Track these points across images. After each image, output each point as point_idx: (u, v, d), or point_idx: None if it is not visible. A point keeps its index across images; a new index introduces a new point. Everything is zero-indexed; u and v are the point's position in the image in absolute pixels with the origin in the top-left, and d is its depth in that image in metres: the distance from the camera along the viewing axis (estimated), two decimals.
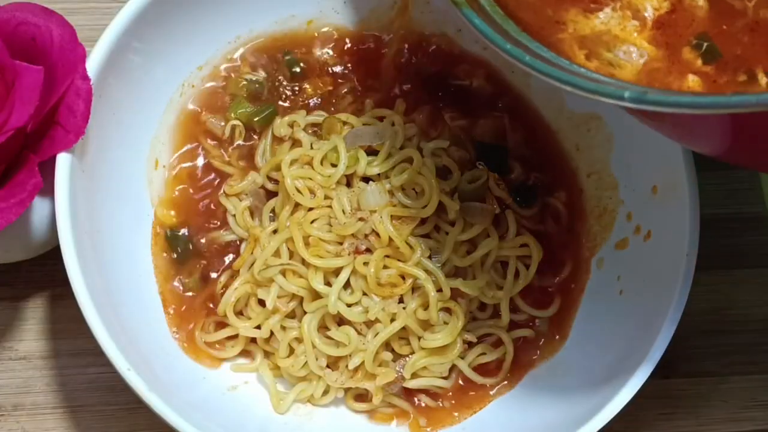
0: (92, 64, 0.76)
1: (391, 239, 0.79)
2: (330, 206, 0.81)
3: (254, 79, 0.89)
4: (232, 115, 0.87)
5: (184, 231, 0.85)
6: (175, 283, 0.83)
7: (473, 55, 0.91)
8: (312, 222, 0.81)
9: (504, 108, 0.90)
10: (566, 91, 0.60)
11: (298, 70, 0.89)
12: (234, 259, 0.84)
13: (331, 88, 0.90)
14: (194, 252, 0.84)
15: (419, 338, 0.81)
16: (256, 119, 0.87)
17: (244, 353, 0.83)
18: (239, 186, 0.85)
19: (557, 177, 0.89)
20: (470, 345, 0.83)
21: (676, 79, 0.64)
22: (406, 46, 0.91)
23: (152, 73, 0.84)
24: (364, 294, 0.80)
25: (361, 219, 0.81)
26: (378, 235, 0.80)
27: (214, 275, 0.84)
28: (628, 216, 0.84)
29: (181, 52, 0.85)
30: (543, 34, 0.66)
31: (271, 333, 0.81)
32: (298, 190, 0.82)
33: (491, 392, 0.83)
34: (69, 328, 0.85)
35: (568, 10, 0.67)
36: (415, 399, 0.82)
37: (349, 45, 0.91)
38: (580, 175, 0.88)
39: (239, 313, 0.82)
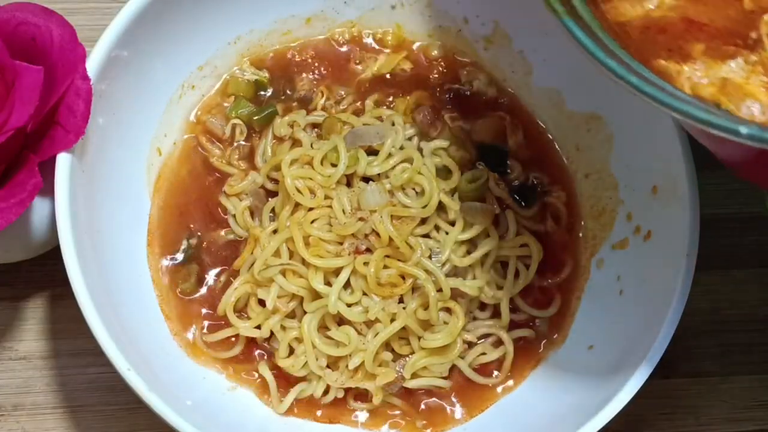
0: (92, 64, 0.76)
1: (391, 239, 0.79)
2: (330, 206, 0.81)
3: (256, 79, 0.89)
4: (233, 114, 0.88)
5: (184, 230, 0.85)
6: (175, 283, 0.83)
7: (473, 59, 0.91)
8: (312, 222, 0.81)
9: (504, 108, 0.90)
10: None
11: (297, 72, 0.90)
12: (234, 259, 0.84)
13: (331, 90, 0.90)
14: (194, 252, 0.84)
15: (419, 338, 0.80)
16: (256, 119, 0.87)
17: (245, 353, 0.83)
18: (239, 186, 0.85)
19: (557, 177, 0.89)
20: (470, 345, 0.83)
21: None
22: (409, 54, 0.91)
23: (152, 73, 0.84)
24: (364, 294, 0.80)
25: (361, 219, 0.81)
26: (378, 235, 0.80)
27: (214, 275, 0.84)
28: (628, 216, 0.84)
29: (181, 52, 0.85)
30: (645, 55, 0.63)
31: (271, 333, 0.81)
32: (298, 190, 0.82)
33: (491, 393, 0.83)
34: (69, 328, 0.85)
35: (694, 45, 0.64)
36: (416, 400, 0.82)
37: (349, 45, 0.91)
38: (579, 175, 0.88)
39: (239, 313, 0.82)
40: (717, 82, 0.62)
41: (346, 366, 0.80)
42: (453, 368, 0.82)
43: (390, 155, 0.83)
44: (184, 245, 0.84)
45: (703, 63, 0.62)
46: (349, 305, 0.80)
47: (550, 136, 0.90)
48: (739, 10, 0.64)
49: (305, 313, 0.80)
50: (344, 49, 0.91)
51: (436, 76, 0.92)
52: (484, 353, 0.83)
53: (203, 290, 0.84)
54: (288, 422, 0.81)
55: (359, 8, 0.91)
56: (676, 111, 0.57)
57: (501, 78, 0.91)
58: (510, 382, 0.83)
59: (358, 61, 0.91)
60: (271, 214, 0.84)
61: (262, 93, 0.89)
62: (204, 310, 0.83)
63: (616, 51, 0.61)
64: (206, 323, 0.83)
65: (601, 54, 0.59)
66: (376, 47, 0.92)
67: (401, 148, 0.84)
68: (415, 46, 0.92)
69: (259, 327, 0.81)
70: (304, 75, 0.90)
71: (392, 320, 0.79)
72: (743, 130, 0.54)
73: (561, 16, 0.61)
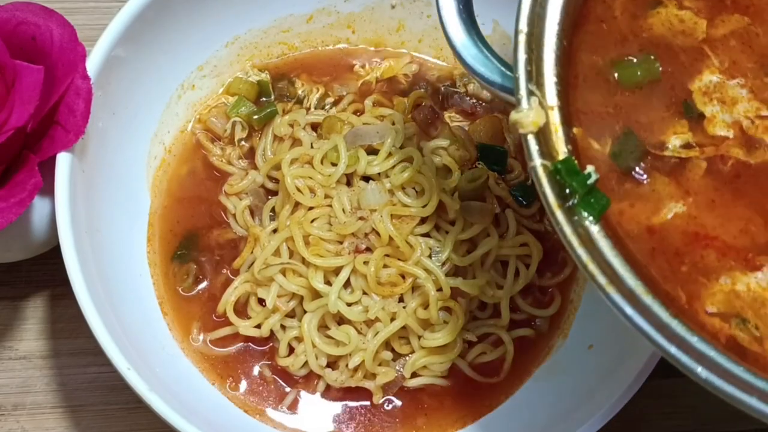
0: (92, 64, 0.76)
1: (391, 238, 0.79)
2: (330, 205, 0.81)
3: (258, 80, 0.89)
4: (233, 114, 0.88)
5: (183, 230, 0.85)
6: (174, 282, 0.83)
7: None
8: (312, 221, 0.81)
9: (502, 108, 0.90)
10: None
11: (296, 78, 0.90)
12: (234, 258, 0.84)
13: (331, 89, 0.90)
14: (194, 251, 0.84)
15: (419, 337, 0.81)
16: (256, 118, 0.87)
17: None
18: (239, 185, 0.85)
19: None
20: (470, 344, 0.83)
21: None
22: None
23: (152, 73, 0.84)
24: (364, 293, 0.80)
25: (361, 218, 0.81)
26: (378, 234, 0.80)
27: (213, 274, 0.84)
28: None
29: (181, 52, 0.85)
30: (670, 280, 0.61)
31: (271, 332, 0.81)
32: (299, 189, 0.82)
33: (491, 392, 0.83)
34: (69, 328, 0.85)
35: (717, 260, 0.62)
36: (416, 399, 0.82)
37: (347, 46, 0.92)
38: None
39: (239, 312, 0.82)
40: (746, 297, 0.60)
41: (346, 365, 0.80)
42: (453, 367, 0.82)
43: (390, 154, 0.83)
44: (183, 244, 0.84)
45: (729, 276, 0.61)
46: (349, 304, 0.80)
47: None
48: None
49: (305, 312, 0.80)
50: (350, 58, 0.92)
51: (435, 75, 0.92)
52: (484, 352, 0.83)
53: (203, 289, 0.84)
54: (288, 420, 0.81)
55: (359, 8, 0.91)
56: (754, 411, 0.56)
57: None
58: (510, 382, 0.83)
59: (362, 65, 0.92)
60: (271, 214, 0.84)
61: (264, 99, 0.89)
62: (204, 309, 0.83)
63: (670, 324, 0.58)
64: (206, 322, 0.83)
65: (662, 340, 0.58)
66: (380, 59, 0.92)
67: (401, 147, 0.84)
68: (415, 54, 0.92)
69: (259, 326, 0.81)
70: (304, 75, 0.91)
71: (392, 319, 0.79)
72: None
73: (605, 288, 0.59)
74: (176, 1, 0.82)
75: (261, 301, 0.81)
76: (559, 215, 0.59)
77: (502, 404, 0.83)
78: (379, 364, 0.80)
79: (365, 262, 0.79)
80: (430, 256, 0.81)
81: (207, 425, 0.72)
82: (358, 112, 0.89)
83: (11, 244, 0.79)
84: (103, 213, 0.79)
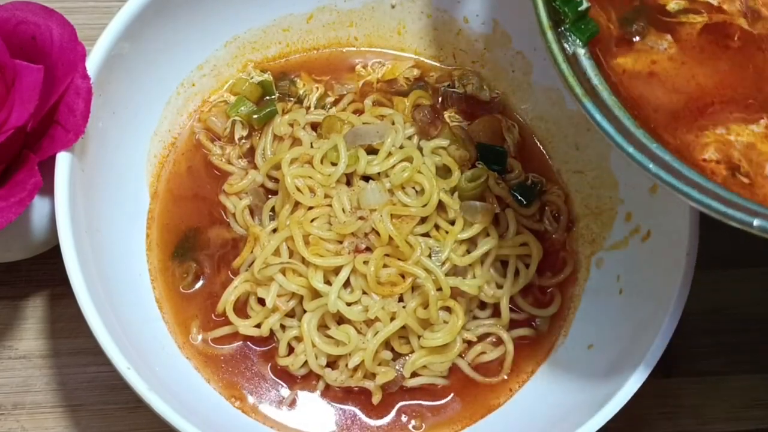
0: (92, 63, 0.76)
1: (391, 238, 0.79)
2: (330, 205, 0.81)
3: (260, 80, 0.89)
4: (233, 113, 0.88)
5: (183, 229, 0.85)
6: (174, 282, 0.83)
7: (472, 58, 0.92)
8: (312, 221, 0.81)
9: (498, 109, 0.90)
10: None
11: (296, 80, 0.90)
12: (233, 258, 0.84)
13: (332, 89, 0.90)
14: (193, 250, 0.84)
15: (419, 337, 0.80)
16: (256, 117, 0.87)
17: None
18: (239, 185, 0.85)
19: (556, 176, 0.89)
20: (470, 344, 0.83)
21: None
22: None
23: (152, 72, 0.84)
24: (364, 293, 0.80)
25: (361, 218, 0.81)
26: (378, 233, 0.80)
27: (213, 274, 0.84)
28: (628, 215, 0.84)
29: (181, 51, 0.86)
30: (665, 129, 0.66)
31: (271, 332, 0.81)
32: (298, 189, 0.82)
33: (491, 392, 0.83)
34: (69, 327, 0.85)
35: (715, 113, 0.66)
36: (415, 399, 0.82)
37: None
38: (579, 174, 0.88)
39: (239, 312, 0.82)
40: (741, 147, 0.64)
41: (346, 365, 0.80)
42: (453, 367, 0.82)
43: (390, 154, 0.83)
44: (183, 244, 0.84)
45: (725, 128, 0.65)
46: (348, 304, 0.80)
47: (550, 136, 0.90)
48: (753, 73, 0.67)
49: (305, 311, 0.80)
50: (350, 58, 0.92)
51: (434, 76, 0.92)
52: (484, 352, 0.83)
53: (203, 289, 0.84)
54: (288, 420, 0.81)
55: (359, 7, 0.91)
56: (695, 201, 0.61)
57: (500, 77, 0.91)
58: (510, 381, 0.83)
59: (363, 65, 0.92)
60: (270, 213, 0.84)
61: (268, 97, 0.89)
62: (203, 309, 0.83)
63: (636, 133, 0.63)
64: (205, 322, 0.83)
65: (622, 141, 0.63)
66: (382, 60, 0.92)
67: (401, 147, 0.84)
68: (414, 55, 0.92)
69: (258, 326, 0.81)
70: (305, 75, 0.91)
71: (392, 319, 0.79)
72: (755, 222, 0.59)
73: (581, 98, 0.64)
74: (176, 1, 0.82)
75: (261, 301, 0.81)
76: (550, 35, 0.66)
77: (502, 404, 0.83)
78: (379, 364, 0.80)
79: (365, 262, 0.79)
80: (429, 256, 0.81)
81: (206, 425, 0.71)
82: (358, 112, 0.89)
83: (11, 244, 0.79)
84: (103, 212, 0.79)
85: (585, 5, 0.67)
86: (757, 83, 0.66)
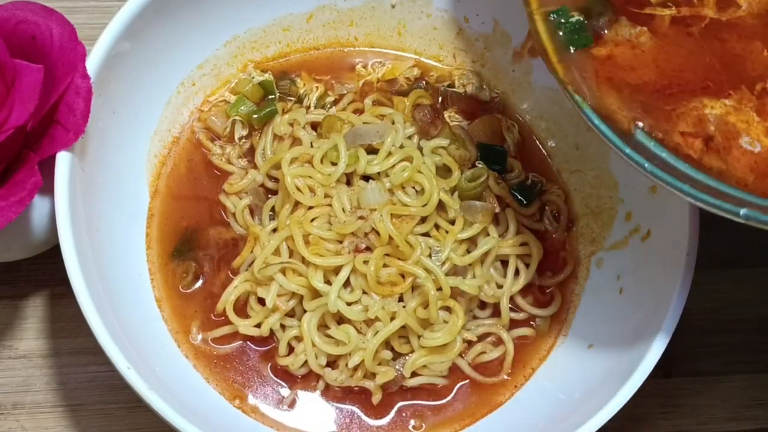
0: (92, 63, 0.76)
1: (391, 238, 0.79)
2: (330, 205, 0.81)
3: (261, 81, 0.89)
4: (233, 113, 0.88)
5: (183, 229, 0.85)
6: (174, 282, 0.83)
7: (473, 58, 0.91)
8: (312, 220, 0.81)
9: (502, 107, 0.90)
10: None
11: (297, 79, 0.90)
12: (233, 258, 0.84)
13: (332, 88, 0.90)
14: (193, 250, 0.84)
15: (419, 337, 0.80)
16: (256, 117, 0.87)
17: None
18: (239, 184, 0.85)
19: (556, 176, 0.89)
20: (470, 344, 0.83)
21: None
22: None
23: (152, 72, 0.84)
24: (364, 292, 0.80)
25: (361, 217, 0.81)
26: (378, 233, 0.80)
27: (213, 273, 0.84)
28: (628, 215, 0.84)
29: (181, 51, 0.85)
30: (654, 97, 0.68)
31: (271, 331, 0.81)
32: (298, 189, 0.82)
33: (491, 392, 0.83)
34: (69, 327, 0.85)
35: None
36: (415, 398, 0.82)
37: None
38: (579, 174, 0.88)
39: (239, 312, 0.82)
40: (715, 120, 0.67)
41: (346, 364, 0.80)
42: (453, 367, 0.82)
43: (390, 154, 0.83)
44: (183, 243, 0.84)
45: (700, 102, 0.68)
46: (348, 304, 0.80)
47: (550, 136, 0.90)
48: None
49: (305, 311, 0.80)
50: (350, 57, 0.92)
51: (434, 75, 0.92)
52: (484, 352, 0.83)
53: (203, 289, 0.84)
54: (288, 419, 0.81)
55: (359, 6, 0.91)
56: (687, 195, 0.64)
57: (500, 77, 0.91)
58: (510, 381, 0.83)
59: (363, 65, 0.92)
60: (270, 213, 0.84)
61: (270, 96, 0.89)
62: (203, 309, 0.83)
63: (635, 133, 0.66)
64: (205, 321, 0.83)
65: (620, 143, 0.66)
66: (382, 60, 0.92)
67: (401, 146, 0.84)
68: (414, 56, 0.92)
69: (258, 325, 0.81)
70: (305, 74, 0.91)
71: (392, 319, 0.79)
72: (742, 212, 0.62)
73: (580, 104, 0.68)
74: (176, 1, 0.82)
75: (261, 301, 0.81)
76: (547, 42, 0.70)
77: (502, 404, 0.83)
78: (379, 364, 0.80)
79: (365, 262, 0.79)
80: (429, 256, 0.81)
81: (206, 424, 0.72)
82: (358, 112, 0.89)
83: (11, 244, 0.79)
84: (103, 212, 0.79)
85: (576, 18, 0.70)
86: (714, 68, 0.69)
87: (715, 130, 0.66)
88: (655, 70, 0.69)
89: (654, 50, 0.70)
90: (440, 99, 0.90)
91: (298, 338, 0.80)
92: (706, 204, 0.63)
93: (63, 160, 0.74)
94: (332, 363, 0.81)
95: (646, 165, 0.65)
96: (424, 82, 0.91)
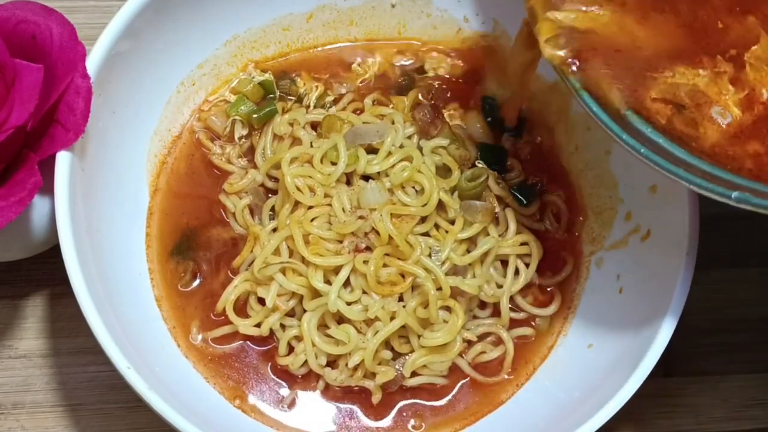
0: (92, 63, 0.76)
1: (390, 237, 0.79)
2: (330, 204, 0.81)
3: (261, 81, 0.89)
4: (233, 112, 0.88)
5: (183, 228, 0.85)
6: (174, 281, 0.84)
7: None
8: (312, 220, 0.81)
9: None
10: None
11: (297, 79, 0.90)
12: (233, 257, 0.84)
13: (331, 88, 0.90)
14: (193, 250, 0.84)
15: (419, 337, 0.80)
16: (255, 117, 0.87)
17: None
18: (239, 184, 0.85)
19: (556, 176, 0.89)
20: (470, 343, 0.83)
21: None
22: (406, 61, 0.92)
23: (152, 72, 0.84)
24: (364, 292, 0.80)
25: (361, 217, 0.81)
26: (378, 233, 0.80)
27: (213, 273, 0.84)
28: (628, 215, 0.84)
29: (181, 50, 0.85)
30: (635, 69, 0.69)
31: (271, 331, 0.81)
32: (298, 189, 0.82)
33: (491, 391, 0.83)
34: (69, 327, 0.85)
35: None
36: (415, 398, 0.82)
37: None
38: (579, 174, 0.88)
39: (238, 311, 0.82)
40: (686, 90, 0.68)
41: (346, 364, 0.80)
42: (453, 367, 0.82)
43: (390, 154, 0.83)
44: (183, 243, 0.84)
45: (673, 71, 0.69)
46: (348, 303, 0.80)
47: (549, 135, 0.90)
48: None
49: (305, 311, 0.80)
50: (350, 57, 0.92)
51: (432, 75, 0.92)
52: (484, 352, 0.83)
53: (203, 288, 0.84)
54: (289, 419, 0.81)
55: (359, 6, 0.91)
56: (681, 178, 0.65)
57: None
58: (510, 381, 0.83)
59: (359, 63, 0.92)
60: (270, 213, 0.84)
61: (270, 96, 0.89)
62: (203, 308, 0.83)
63: (630, 118, 0.67)
64: (205, 321, 0.83)
65: (617, 128, 0.68)
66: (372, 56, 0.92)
67: (401, 146, 0.84)
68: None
69: (258, 325, 0.81)
70: (305, 73, 0.91)
71: (392, 318, 0.79)
72: (733, 195, 0.64)
73: (579, 92, 0.69)
74: (176, 0, 0.82)
75: (261, 300, 0.81)
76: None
77: (502, 404, 0.83)
78: (379, 363, 0.80)
79: (365, 262, 0.79)
80: (429, 256, 0.81)
81: (206, 424, 0.72)
82: (358, 111, 0.89)
83: (11, 243, 0.79)
84: (103, 212, 0.79)
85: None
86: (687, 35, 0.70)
87: (685, 97, 0.68)
88: (631, 36, 0.70)
89: (636, 12, 0.71)
90: (437, 96, 0.90)
91: (298, 338, 0.80)
92: (700, 187, 0.64)
93: (63, 160, 0.74)
94: (332, 363, 0.81)
95: (642, 150, 0.66)
96: (421, 69, 0.91)
